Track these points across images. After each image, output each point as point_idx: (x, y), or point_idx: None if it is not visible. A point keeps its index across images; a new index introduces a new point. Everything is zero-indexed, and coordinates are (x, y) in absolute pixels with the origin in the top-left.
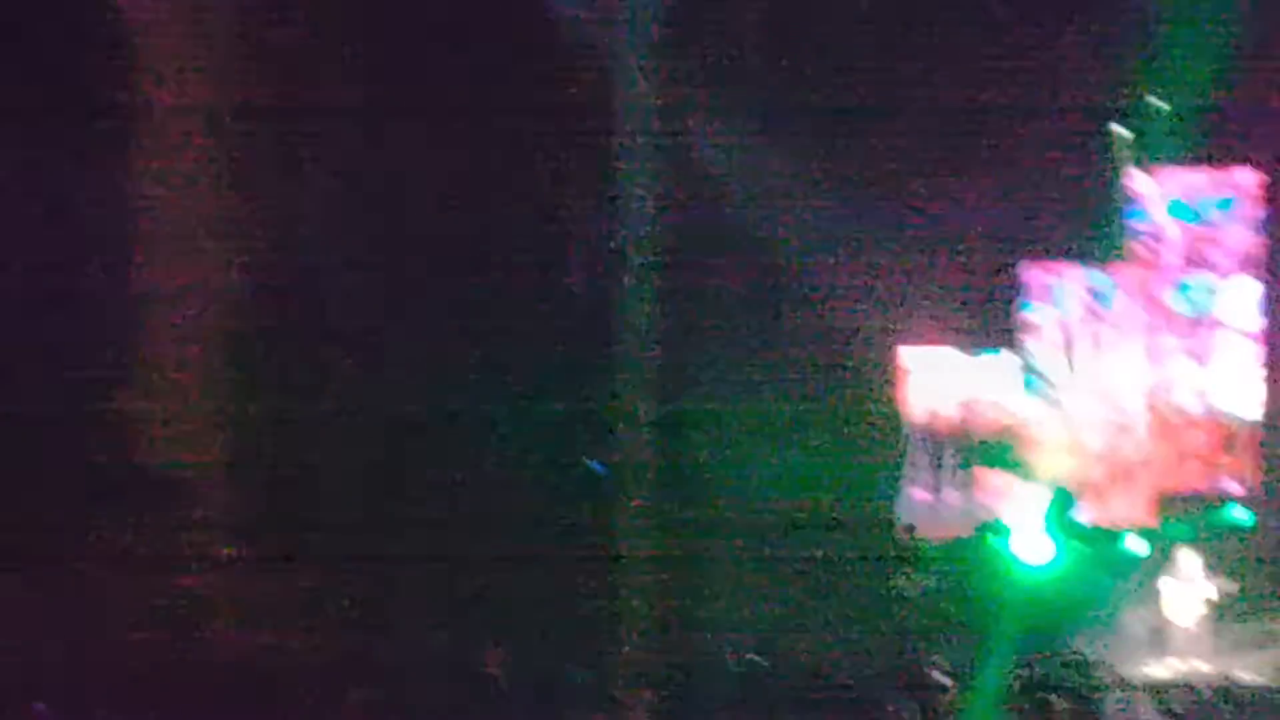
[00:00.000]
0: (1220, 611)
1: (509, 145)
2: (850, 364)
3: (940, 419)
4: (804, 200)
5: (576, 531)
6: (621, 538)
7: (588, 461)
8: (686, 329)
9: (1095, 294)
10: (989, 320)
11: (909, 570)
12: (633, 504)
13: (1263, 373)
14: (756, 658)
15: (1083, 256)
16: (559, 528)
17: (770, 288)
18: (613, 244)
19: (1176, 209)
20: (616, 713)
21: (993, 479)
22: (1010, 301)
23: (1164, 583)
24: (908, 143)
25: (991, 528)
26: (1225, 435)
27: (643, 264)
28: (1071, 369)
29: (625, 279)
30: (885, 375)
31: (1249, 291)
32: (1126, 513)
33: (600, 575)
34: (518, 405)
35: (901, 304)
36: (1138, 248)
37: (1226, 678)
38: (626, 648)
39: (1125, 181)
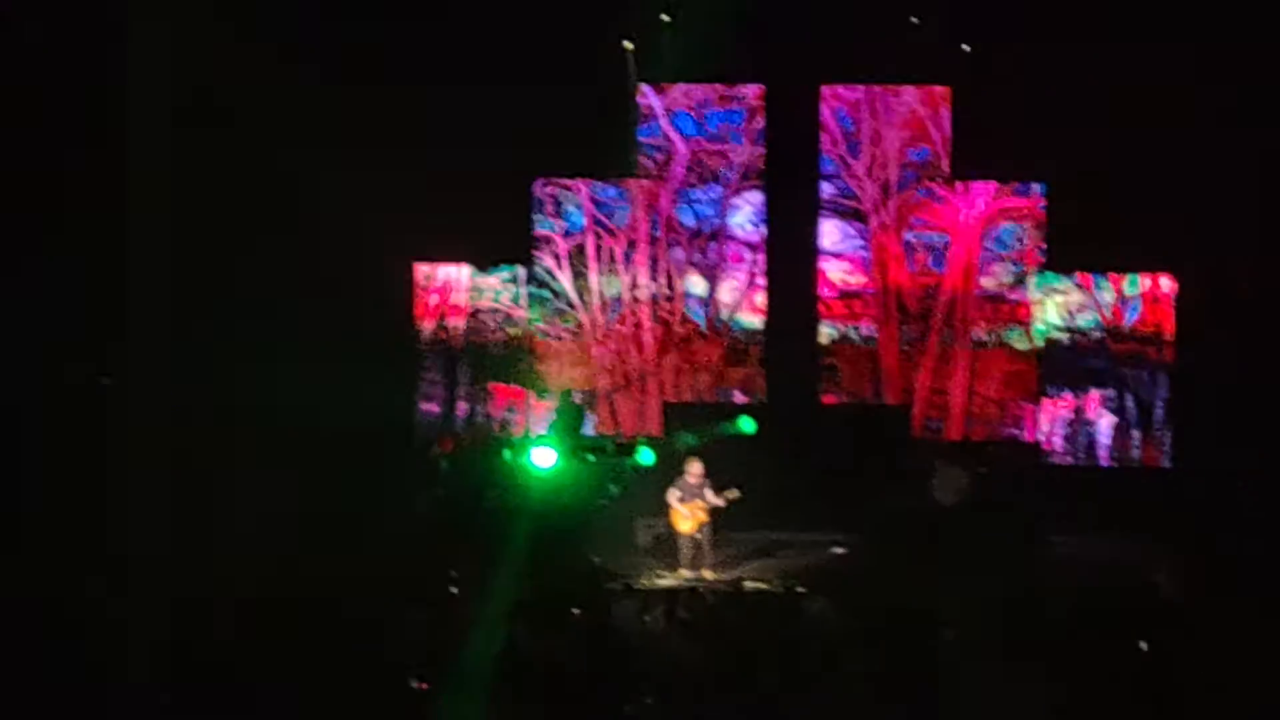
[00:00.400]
0: (726, 519)
1: None
2: (363, 280)
3: (453, 333)
4: (319, 122)
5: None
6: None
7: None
8: (202, 249)
9: (604, 208)
10: (500, 235)
11: (421, 481)
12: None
13: (767, 284)
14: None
15: (592, 171)
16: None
17: (285, 207)
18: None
19: (684, 123)
20: None
21: (504, 391)
22: (521, 217)
23: (671, 492)
24: (422, 61)
25: (503, 439)
26: (731, 346)
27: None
28: (581, 282)
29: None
30: (399, 291)
31: (753, 204)
32: (635, 423)
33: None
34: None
35: (414, 220)
36: (646, 162)
37: (733, 584)
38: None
39: (635, 97)
